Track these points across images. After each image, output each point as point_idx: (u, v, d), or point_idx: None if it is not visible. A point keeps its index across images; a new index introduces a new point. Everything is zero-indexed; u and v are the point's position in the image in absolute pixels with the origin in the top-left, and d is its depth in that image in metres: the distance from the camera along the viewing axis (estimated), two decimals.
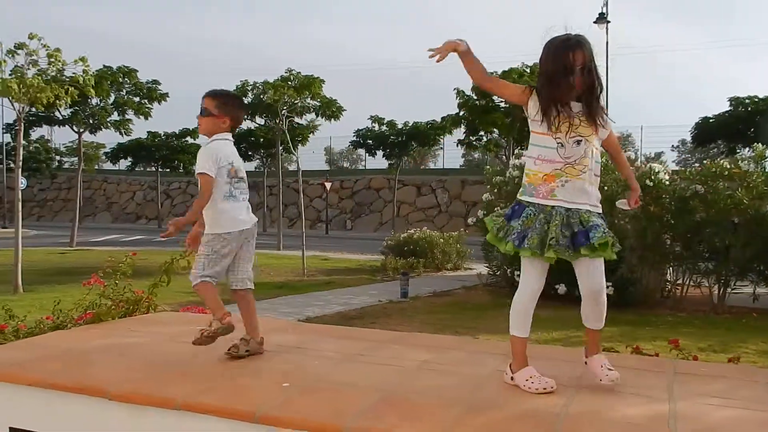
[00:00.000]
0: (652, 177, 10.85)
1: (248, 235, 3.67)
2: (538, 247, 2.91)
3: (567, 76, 2.90)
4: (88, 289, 5.21)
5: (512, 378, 3.05)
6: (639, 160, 13.10)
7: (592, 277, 3.00)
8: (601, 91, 3.01)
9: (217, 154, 3.60)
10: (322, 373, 3.23)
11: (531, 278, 3.06)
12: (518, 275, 10.16)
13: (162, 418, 2.85)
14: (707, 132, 29.10)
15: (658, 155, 39.17)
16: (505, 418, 2.64)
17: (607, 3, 28.69)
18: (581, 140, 2.94)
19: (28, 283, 12.81)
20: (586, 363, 3.20)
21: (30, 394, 3.15)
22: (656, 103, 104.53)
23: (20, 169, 13.58)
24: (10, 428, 3.20)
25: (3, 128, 35.77)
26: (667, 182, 11.00)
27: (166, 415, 2.84)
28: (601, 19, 28.40)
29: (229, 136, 3.76)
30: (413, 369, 3.34)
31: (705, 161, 12.30)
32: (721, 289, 11.00)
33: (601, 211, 3.03)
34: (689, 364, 3.85)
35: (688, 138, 32.63)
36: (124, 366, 3.31)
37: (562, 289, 11.05)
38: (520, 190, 3.05)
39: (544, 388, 2.92)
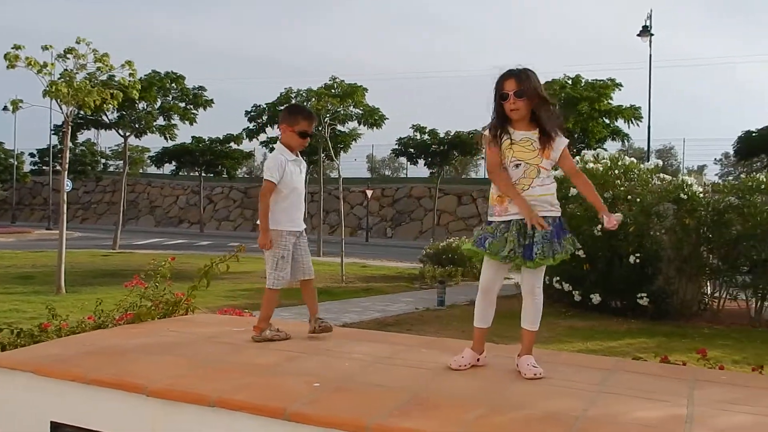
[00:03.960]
0: (686, 190, 10.81)
1: None
2: (497, 251, 3.35)
3: (502, 102, 3.37)
4: (129, 290, 5.42)
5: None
6: (681, 172, 12.99)
7: (530, 279, 3.47)
8: (551, 117, 3.39)
9: (277, 162, 4.19)
10: (352, 374, 3.35)
11: (487, 276, 3.54)
12: (558, 282, 10.15)
13: (196, 414, 2.99)
14: (750, 146, 28.71)
15: (701, 168, 38.68)
16: (525, 418, 2.73)
17: (651, 16, 28.43)
18: (520, 164, 3.37)
19: (70, 284, 13.07)
20: (516, 360, 3.52)
21: (70, 389, 3.31)
22: (703, 116, 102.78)
23: (66, 171, 13.90)
24: (52, 422, 3.36)
25: (52, 130, 36.63)
26: (701, 195, 10.95)
27: (201, 412, 2.97)
28: (645, 32, 28.14)
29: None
30: (440, 371, 3.44)
31: (742, 175, 12.20)
32: (759, 303, 10.88)
33: (556, 214, 3.40)
34: (711, 373, 3.88)
35: (731, 151, 32.22)
36: (161, 364, 3.46)
37: (596, 299, 11.05)
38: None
39: (459, 365, 3.44)
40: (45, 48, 13.14)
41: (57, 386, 3.33)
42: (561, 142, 3.41)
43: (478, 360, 3.54)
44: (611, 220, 3.39)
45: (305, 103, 25.51)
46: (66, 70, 12.93)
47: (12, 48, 12.35)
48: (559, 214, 3.42)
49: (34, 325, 5.42)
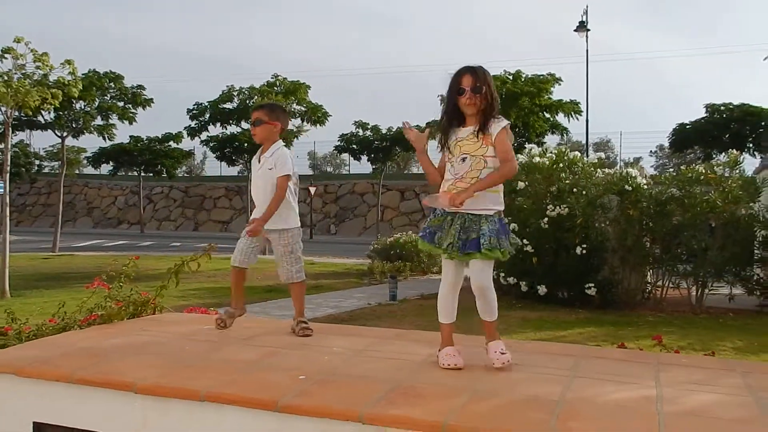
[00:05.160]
0: (630, 182, 11.17)
1: None
2: (442, 243, 3.44)
3: (458, 97, 3.45)
4: (92, 291, 5.37)
5: (437, 355, 3.52)
6: (618, 164, 13.43)
7: (478, 275, 3.43)
8: (495, 111, 3.48)
9: (291, 159, 4.32)
10: (334, 367, 3.44)
11: (447, 273, 3.59)
12: (504, 278, 10.40)
13: (187, 410, 3.04)
14: (684, 138, 29.63)
15: (637, 160, 39.76)
16: (507, 403, 2.86)
17: (587, 12, 29.19)
18: (466, 157, 3.45)
19: (14, 288, 12.83)
20: (486, 349, 3.56)
21: (55, 389, 3.31)
22: (637, 109, 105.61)
23: (8, 174, 13.60)
24: (34, 423, 3.36)
25: None
26: (645, 186, 11.34)
27: (192, 406, 3.03)
28: (581, 27, 28.85)
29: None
30: (418, 362, 3.56)
31: (682, 166, 12.66)
32: (699, 290, 11.33)
33: (494, 213, 3.46)
34: (672, 356, 4.11)
35: (666, 143, 33.19)
36: (144, 362, 3.49)
37: (542, 290, 11.34)
38: None
39: (455, 364, 3.40)
40: None
41: (40, 387, 3.33)
42: (498, 125, 3.45)
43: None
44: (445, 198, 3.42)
45: (247, 101, 25.38)
46: (6, 70, 12.64)
47: None
48: (502, 209, 3.51)
49: None
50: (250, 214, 4.66)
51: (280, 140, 4.40)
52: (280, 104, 4.47)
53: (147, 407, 3.12)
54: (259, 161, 4.35)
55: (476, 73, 3.45)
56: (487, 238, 3.36)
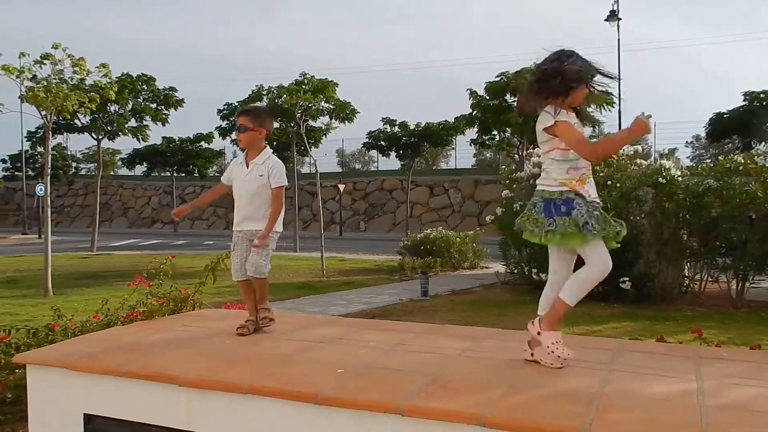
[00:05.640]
0: (664, 174, 11.01)
1: None
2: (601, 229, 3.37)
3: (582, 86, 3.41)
4: (133, 289, 5.53)
5: (539, 333, 3.36)
6: (652, 156, 13.26)
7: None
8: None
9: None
10: (371, 360, 3.49)
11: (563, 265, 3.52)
12: (536, 273, 10.30)
13: (229, 402, 3.13)
14: (722, 127, 29.02)
15: (672, 151, 39.30)
16: (545, 396, 2.88)
17: (617, 0, 28.81)
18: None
19: (56, 287, 13.15)
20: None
21: (103, 382, 3.43)
22: (671, 99, 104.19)
23: (49, 176, 13.87)
24: (84, 414, 3.48)
25: (25, 136, 36.26)
26: (680, 178, 11.17)
27: (234, 399, 3.11)
28: (612, 16, 28.53)
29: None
30: (454, 356, 3.59)
31: (719, 157, 12.43)
32: (739, 284, 11.09)
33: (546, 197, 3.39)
34: (712, 350, 4.07)
35: (702, 133, 32.65)
36: (187, 356, 3.58)
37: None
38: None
39: (566, 356, 3.29)
40: (22, 55, 13.22)
41: (89, 380, 3.44)
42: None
43: None
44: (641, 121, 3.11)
45: (276, 100, 25.52)
46: (45, 76, 12.95)
47: None
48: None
49: (29, 327, 5.51)
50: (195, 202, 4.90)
51: (268, 147, 4.42)
52: (265, 108, 4.53)
53: (191, 399, 3.21)
54: (247, 166, 4.35)
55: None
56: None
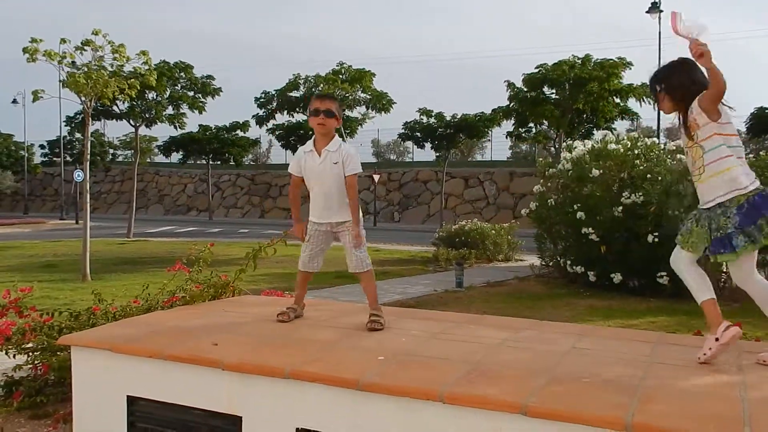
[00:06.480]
0: None
1: None
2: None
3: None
4: (173, 275, 5.60)
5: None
6: None
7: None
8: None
9: None
10: (412, 348, 3.51)
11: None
12: (570, 266, 10.17)
13: (271, 386, 3.17)
14: (763, 122, 28.53)
15: None
16: (586, 386, 2.88)
17: None
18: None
19: (94, 272, 13.31)
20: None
21: (146, 365, 3.49)
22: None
23: (88, 162, 14.04)
24: (128, 396, 3.54)
25: (63, 122, 36.82)
26: None
27: (276, 383, 3.15)
28: (654, 8, 28.12)
29: None
30: (494, 345, 3.60)
31: (761, 152, 12.23)
32: None
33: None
34: (754, 344, 4.04)
35: (743, 128, 32.12)
36: (229, 341, 3.63)
37: (617, 278, 11.18)
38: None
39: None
40: (63, 41, 13.36)
41: (133, 363, 3.51)
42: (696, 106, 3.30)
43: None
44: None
45: (313, 89, 25.64)
46: (86, 62, 13.09)
47: (30, 42, 12.52)
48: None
49: (69, 310, 5.61)
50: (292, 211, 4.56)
51: (337, 135, 4.30)
52: None
53: (233, 383, 3.25)
54: (320, 154, 4.19)
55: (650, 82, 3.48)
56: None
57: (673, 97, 3.36)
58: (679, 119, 3.37)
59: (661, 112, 3.49)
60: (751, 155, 13.03)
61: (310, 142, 4.29)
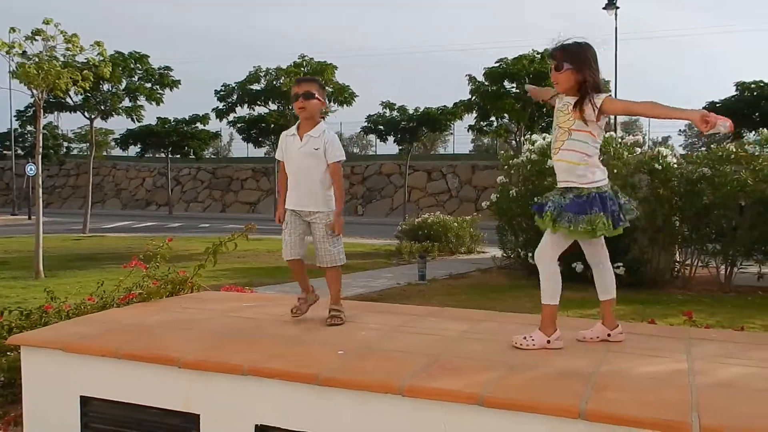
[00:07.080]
0: (660, 161, 11.11)
1: None
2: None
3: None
4: (129, 271, 5.50)
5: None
6: (647, 144, 13.29)
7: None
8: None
9: None
10: (371, 342, 3.52)
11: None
12: (531, 257, 10.35)
13: (230, 384, 3.14)
14: None
15: (665, 139, 39.37)
16: (543, 376, 2.93)
17: None
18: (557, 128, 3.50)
19: (47, 269, 12.97)
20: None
21: (101, 364, 3.43)
22: (663, 88, 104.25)
23: (40, 156, 13.66)
24: (81, 396, 3.48)
25: (14, 115, 36.01)
26: (675, 166, 11.27)
27: (234, 380, 3.13)
28: (611, 4, 28.50)
29: None
30: (454, 337, 3.63)
31: (712, 145, 12.52)
32: (728, 269, 11.30)
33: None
34: (702, 331, 4.15)
35: None
36: (188, 338, 3.60)
37: (579, 267, 11.33)
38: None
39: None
40: (12, 30, 12.95)
41: (87, 362, 3.45)
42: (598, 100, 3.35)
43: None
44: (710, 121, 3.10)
45: (274, 82, 25.48)
46: (37, 52, 12.75)
47: None
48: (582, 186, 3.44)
49: (19, 309, 5.49)
50: (278, 196, 4.31)
51: (323, 121, 4.14)
52: None
53: (191, 381, 3.22)
54: (301, 139, 4.05)
55: (557, 52, 3.44)
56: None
57: (578, 79, 3.36)
58: (572, 101, 3.39)
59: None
60: (703, 149, 13.31)
61: (294, 126, 4.15)
